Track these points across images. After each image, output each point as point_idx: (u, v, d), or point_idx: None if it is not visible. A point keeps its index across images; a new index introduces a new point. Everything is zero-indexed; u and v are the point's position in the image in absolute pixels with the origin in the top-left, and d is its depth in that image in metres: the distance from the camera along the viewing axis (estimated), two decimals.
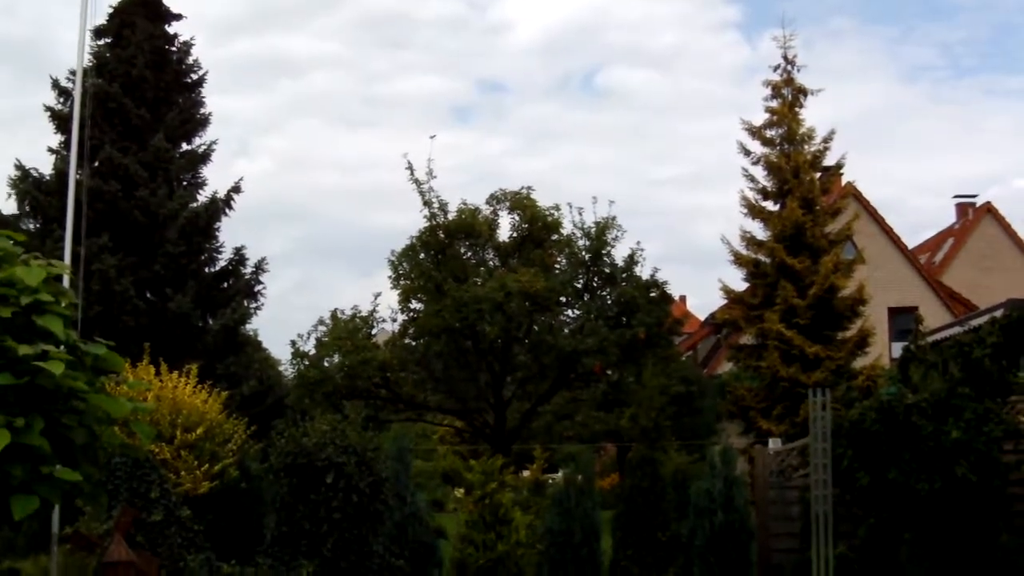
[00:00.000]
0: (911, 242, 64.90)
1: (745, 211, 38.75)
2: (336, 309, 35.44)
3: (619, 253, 35.21)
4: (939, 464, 18.73)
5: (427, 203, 35.00)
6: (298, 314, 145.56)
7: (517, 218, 35.71)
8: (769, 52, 39.61)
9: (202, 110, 40.08)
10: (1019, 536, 19.19)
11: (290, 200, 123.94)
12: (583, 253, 35.00)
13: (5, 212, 36.11)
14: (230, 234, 37.54)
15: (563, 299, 35.34)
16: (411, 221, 34.28)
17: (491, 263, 35.81)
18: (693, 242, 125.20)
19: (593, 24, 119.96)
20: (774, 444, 24.48)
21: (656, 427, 23.22)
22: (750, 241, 38.50)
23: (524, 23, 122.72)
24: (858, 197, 51.54)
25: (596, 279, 35.13)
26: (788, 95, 38.71)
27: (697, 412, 36.74)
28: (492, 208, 35.71)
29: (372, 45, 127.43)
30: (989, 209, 69.29)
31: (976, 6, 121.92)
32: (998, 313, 27.16)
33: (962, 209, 71.75)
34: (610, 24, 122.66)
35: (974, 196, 72.17)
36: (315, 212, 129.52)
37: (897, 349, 34.81)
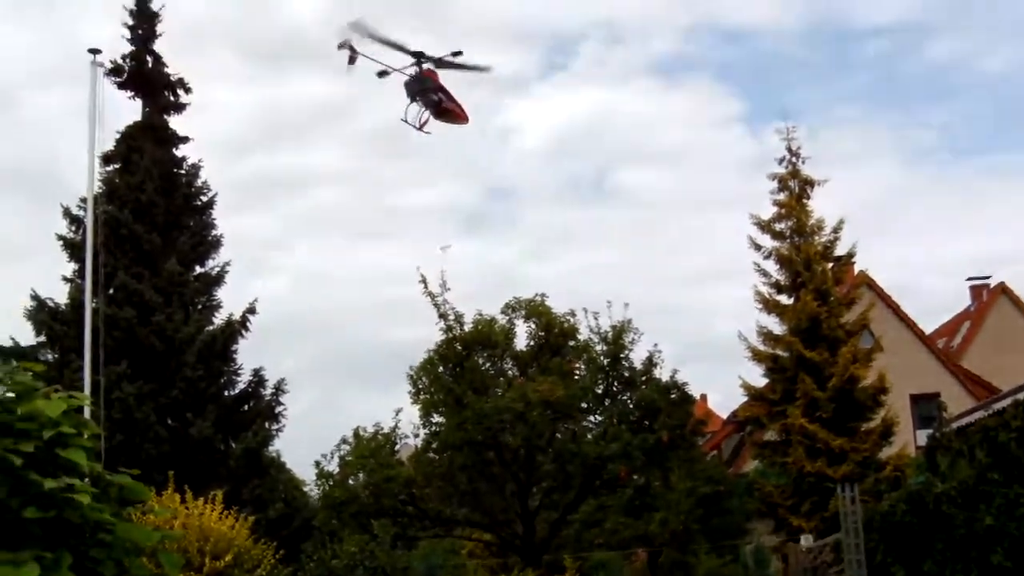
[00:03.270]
0: (927, 326, 64.64)
1: (760, 306, 38.78)
2: (358, 427, 35.33)
3: (637, 356, 35.14)
4: (973, 552, 18.55)
5: (443, 316, 35.02)
6: (320, 432, 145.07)
7: (533, 326, 35.66)
8: (775, 144, 39.64)
9: (214, 232, 40.23)
10: None
11: (307, 317, 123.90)
12: (601, 358, 34.91)
13: (23, 343, 36.11)
14: (247, 355, 37.68)
15: (584, 405, 35.21)
16: (429, 334, 34.23)
17: (510, 373, 35.72)
18: (710, 339, 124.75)
19: (599, 125, 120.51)
20: (806, 540, 24.33)
21: (686, 530, 23.13)
22: (767, 336, 38.44)
23: (531, 128, 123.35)
24: (872, 285, 51.40)
25: (616, 383, 35.00)
26: (795, 187, 38.85)
27: (726, 512, 36.40)
28: (508, 317, 35.69)
29: (381, 157, 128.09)
30: (1004, 290, 69.09)
31: (975, 83, 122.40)
32: (1021, 395, 27.05)
33: (976, 291, 71.59)
34: (616, 124, 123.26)
35: (987, 277, 72.04)
36: (333, 328, 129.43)
37: (922, 437, 34.62)
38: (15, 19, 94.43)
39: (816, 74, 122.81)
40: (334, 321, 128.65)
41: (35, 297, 37.68)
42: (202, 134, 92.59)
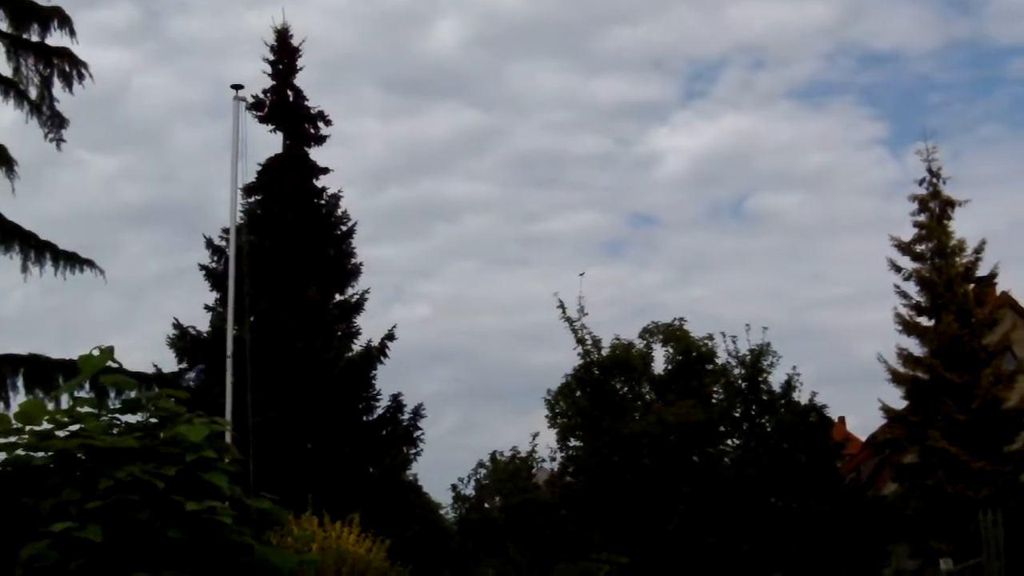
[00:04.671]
0: None
1: (900, 328, 38.48)
2: (495, 451, 35.54)
3: (776, 379, 34.91)
4: None
5: (580, 340, 35.11)
6: (457, 456, 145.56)
7: (671, 350, 35.60)
8: (915, 166, 39.36)
9: (353, 260, 40.63)
10: None
11: (447, 343, 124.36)
12: (739, 382, 34.76)
13: (165, 370, 36.70)
14: (386, 380, 38.20)
15: (722, 429, 35.07)
16: (566, 359, 34.38)
17: (647, 397, 35.69)
18: (850, 362, 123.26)
19: (740, 151, 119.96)
20: (946, 565, 24.10)
21: (825, 554, 22.91)
22: (907, 358, 38.12)
23: (672, 155, 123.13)
24: (1015, 306, 50.63)
25: (754, 407, 34.81)
26: (935, 208, 38.53)
27: (865, 536, 36.05)
28: (646, 342, 35.67)
29: (523, 184, 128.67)
30: None
31: None
32: None
33: None
34: (757, 149, 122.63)
35: None
36: (472, 354, 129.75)
37: None
38: (166, 58, 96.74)
39: (958, 95, 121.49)
40: (473, 347, 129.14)
41: (177, 325, 38.35)
42: (344, 166, 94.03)
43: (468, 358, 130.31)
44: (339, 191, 41.19)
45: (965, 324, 37.06)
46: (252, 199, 39.99)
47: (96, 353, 8.47)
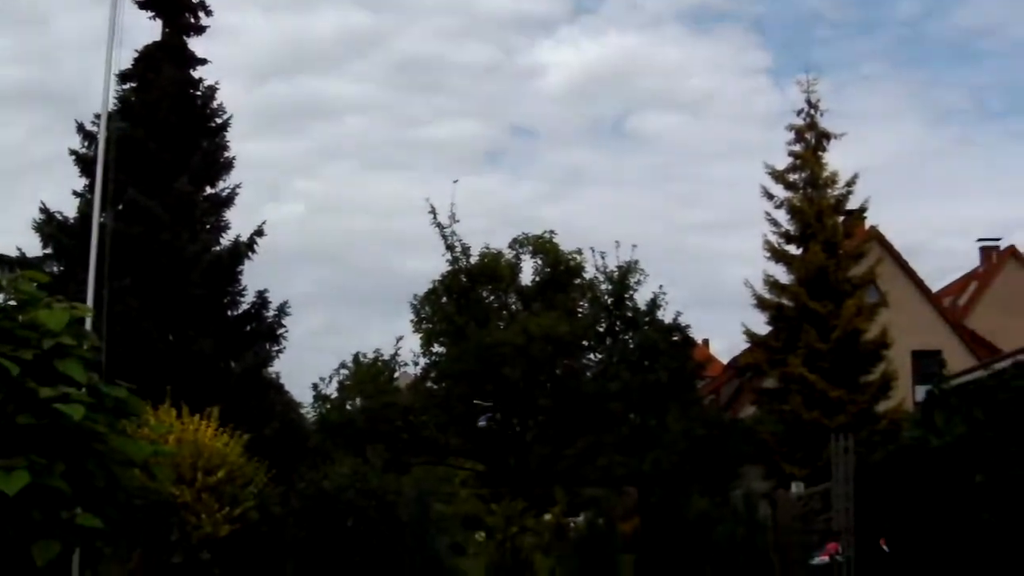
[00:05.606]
0: (936, 286, 64.69)
1: (768, 255, 38.81)
2: (358, 353, 35.40)
3: (642, 297, 35.08)
4: (964, 508, 18.64)
5: (450, 247, 35.00)
6: (324, 357, 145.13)
7: (539, 262, 35.65)
8: (797, 97, 39.61)
9: (227, 154, 39.99)
10: None
11: (320, 244, 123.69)
12: (605, 297, 34.90)
13: (29, 255, 36.03)
14: (256, 277, 37.87)
15: (585, 343, 35.22)
16: (438, 266, 34.22)
17: (513, 307, 35.73)
18: (719, 286, 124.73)
19: (625, 70, 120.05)
20: (797, 488, 24.42)
21: (678, 470, 23.14)
22: (773, 285, 38.48)
23: (556, 69, 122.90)
24: (882, 241, 51.39)
25: (618, 323, 35.00)
26: (811, 139, 38.81)
27: (720, 456, 36.50)
28: (515, 252, 35.67)
29: (406, 89, 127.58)
30: (1013, 252, 68.97)
31: (1006, 52, 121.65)
32: (1022, 357, 27.11)
33: (986, 253, 71.46)
34: (642, 69, 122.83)
35: (998, 239, 71.90)
36: (344, 256, 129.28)
37: (920, 393, 34.60)
38: None
39: (845, 32, 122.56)
40: (346, 249, 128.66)
41: (44, 209, 37.51)
42: (225, 59, 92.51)
43: (340, 260, 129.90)
44: (216, 83, 40.52)
45: (832, 255, 37.46)
46: (127, 86, 39.21)
47: None
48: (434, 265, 35.87)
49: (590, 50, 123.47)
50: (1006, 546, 18.71)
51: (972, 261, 74.14)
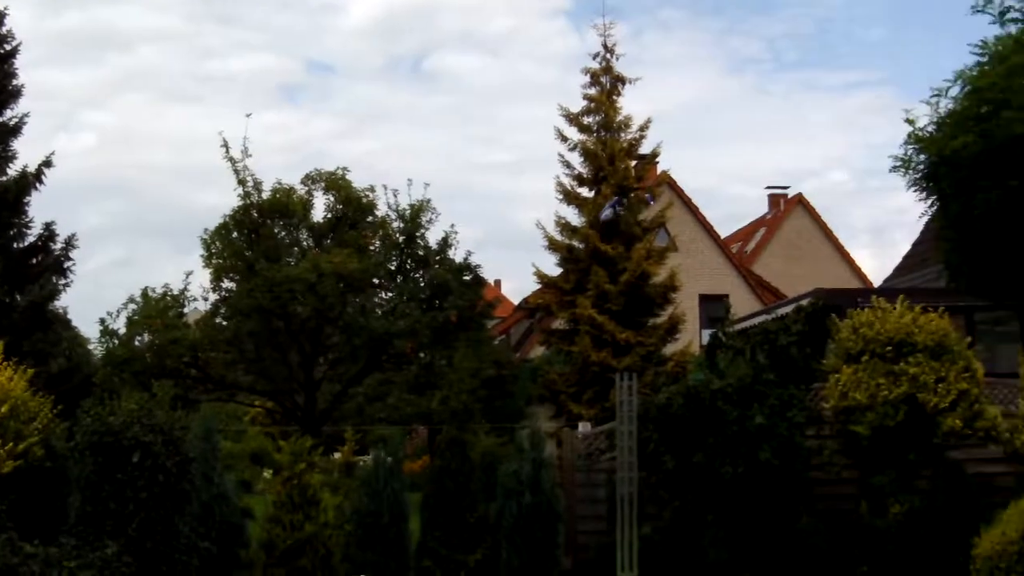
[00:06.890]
0: (726, 232, 65.99)
1: (561, 197, 39.09)
2: (147, 287, 34.74)
3: (434, 236, 34.99)
4: (743, 448, 19.08)
5: (241, 182, 34.44)
6: (116, 292, 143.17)
7: (332, 199, 35.35)
8: (594, 41, 39.93)
9: (15, 81, 38.87)
10: (819, 519, 19.58)
11: (112, 176, 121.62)
12: (397, 235, 34.75)
13: None
14: (46, 209, 37.23)
15: (376, 281, 35.07)
16: (231, 201, 33.90)
17: (305, 244, 35.42)
18: (512, 227, 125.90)
19: (425, 8, 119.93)
20: (583, 428, 24.67)
21: (466, 409, 23.29)
22: (564, 227, 38.79)
23: (356, 4, 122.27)
24: (673, 186, 52.17)
25: (410, 261, 34.86)
26: (606, 83, 39.12)
27: (508, 395, 36.69)
28: (307, 188, 35.31)
29: (203, 19, 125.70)
30: (800, 200, 70.74)
31: (803, 2, 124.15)
32: (804, 302, 27.79)
33: (774, 200, 73.17)
34: (443, 7, 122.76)
35: (786, 187, 73.69)
36: (138, 189, 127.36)
37: (707, 336, 35.33)
38: None
39: None
40: (139, 182, 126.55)
41: None
42: None
43: (134, 193, 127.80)
44: (4, 8, 39.34)
45: (624, 198, 37.86)
46: None
47: None
48: (228, 200, 35.36)
49: None
50: (781, 484, 19.21)
51: (761, 208, 75.87)
